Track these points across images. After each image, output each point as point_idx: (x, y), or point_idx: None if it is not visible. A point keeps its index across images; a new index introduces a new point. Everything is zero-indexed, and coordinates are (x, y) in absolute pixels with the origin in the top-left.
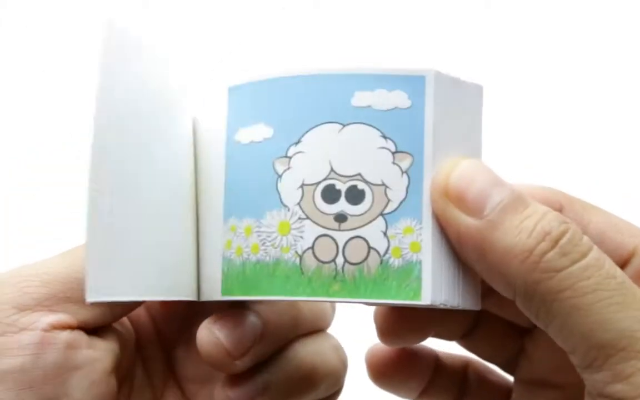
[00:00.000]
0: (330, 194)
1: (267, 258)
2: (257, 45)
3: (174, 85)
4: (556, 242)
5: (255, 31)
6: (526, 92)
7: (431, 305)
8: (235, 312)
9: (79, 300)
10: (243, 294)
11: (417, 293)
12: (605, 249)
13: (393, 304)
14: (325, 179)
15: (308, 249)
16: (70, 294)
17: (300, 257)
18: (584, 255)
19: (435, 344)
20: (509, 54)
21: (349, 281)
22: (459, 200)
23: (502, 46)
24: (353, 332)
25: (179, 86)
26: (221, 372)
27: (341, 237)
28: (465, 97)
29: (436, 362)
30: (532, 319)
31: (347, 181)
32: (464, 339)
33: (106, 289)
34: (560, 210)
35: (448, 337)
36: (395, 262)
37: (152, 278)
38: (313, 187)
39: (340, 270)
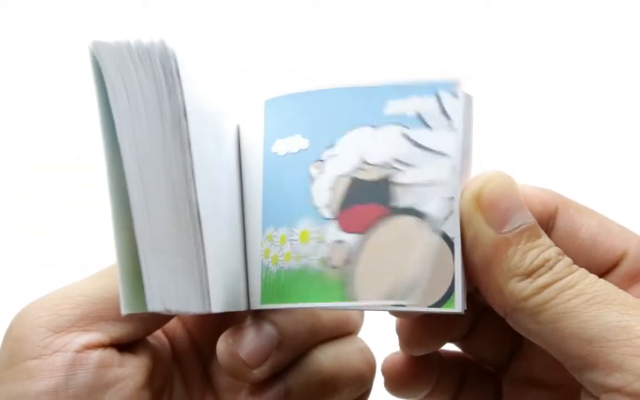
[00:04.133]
0: (358, 194)
1: (297, 265)
2: (257, 45)
3: (219, 99)
4: (551, 268)
5: (255, 31)
6: (526, 93)
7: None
8: (251, 323)
9: (112, 318)
10: (279, 301)
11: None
12: (597, 252)
13: (421, 311)
14: (355, 170)
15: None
16: (102, 313)
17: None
18: (570, 272)
19: None
20: (509, 54)
21: None
22: (487, 210)
23: (502, 46)
24: (383, 334)
25: (222, 99)
26: (241, 381)
27: None
28: (471, 107)
29: (440, 362)
30: (522, 332)
31: (377, 170)
32: (463, 341)
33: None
34: (555, 211)
35: (453, 340)
36: None
37: (222, 291)
38: (344, 178)
39: None
